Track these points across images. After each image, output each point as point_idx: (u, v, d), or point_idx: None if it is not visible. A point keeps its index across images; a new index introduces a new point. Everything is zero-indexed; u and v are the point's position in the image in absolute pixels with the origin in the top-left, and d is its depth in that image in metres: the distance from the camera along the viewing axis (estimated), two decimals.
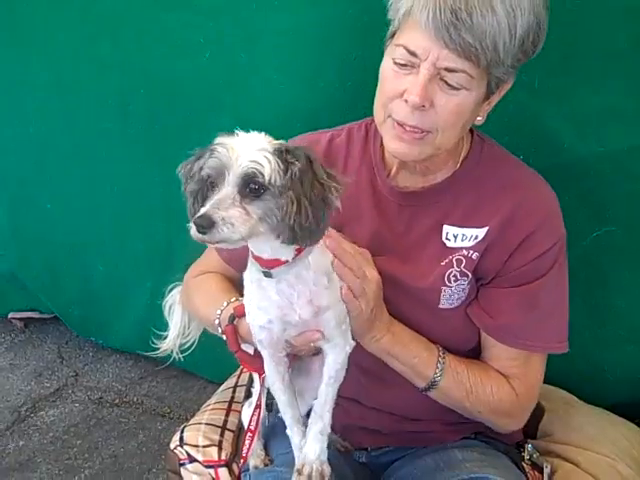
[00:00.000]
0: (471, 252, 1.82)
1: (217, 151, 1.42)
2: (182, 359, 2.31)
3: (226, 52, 2.50)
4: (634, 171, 2.13)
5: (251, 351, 1.86)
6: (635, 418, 2.35)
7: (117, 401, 3.54)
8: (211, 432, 2.19)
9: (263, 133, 1.47)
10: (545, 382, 2.41)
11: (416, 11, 1.60)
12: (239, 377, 2.51)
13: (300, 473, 1.68)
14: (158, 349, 2.32)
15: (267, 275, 1.57)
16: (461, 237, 1.83)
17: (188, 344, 2.31)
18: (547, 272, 1.80)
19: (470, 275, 1.83)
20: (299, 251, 1.54)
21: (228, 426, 2.22)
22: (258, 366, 1.82)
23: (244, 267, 1.89)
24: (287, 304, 1.59)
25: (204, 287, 2.09)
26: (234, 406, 2.32)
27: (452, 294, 1.84)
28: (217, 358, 3.04)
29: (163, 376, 3.71)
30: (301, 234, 1.43)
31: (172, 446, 2.17)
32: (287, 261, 1.54)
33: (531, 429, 2.19)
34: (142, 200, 3.12)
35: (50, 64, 3.06)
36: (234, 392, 2.41)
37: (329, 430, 1.71)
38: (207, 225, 1.36)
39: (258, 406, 1.89)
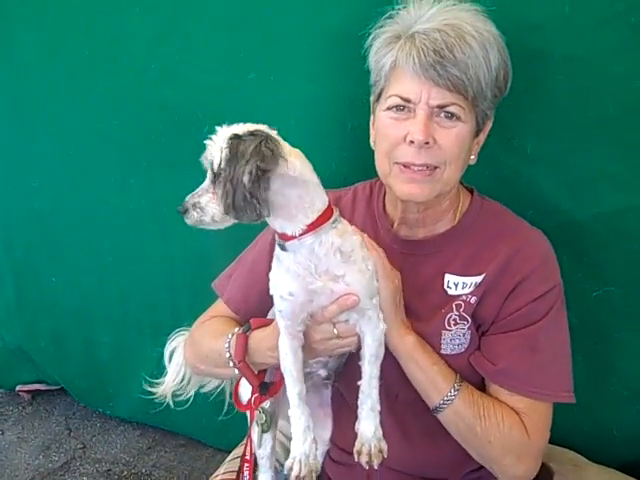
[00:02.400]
0: (470, 296, 1.87)
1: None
2: (174, 407, 2.37)
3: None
4: (629, 231, 2.16)
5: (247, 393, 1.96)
6: None
7: (125, 473, 3.50)
8: None
9: (248, 124, 1.63)
10: (553, 443, 2.39)
11: (401, 61, 1.75)
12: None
13: (360, 453, 1.72)
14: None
15: (282, 248, 1.69)
16: (462, 285, 1.88)
17: (183, 396, 2.34)
18: (544, 317, 1.82)
19: (469, 320, 1.86)
20: (310, 228, 1.64)
21: None
22: (253, 387, 1.91)
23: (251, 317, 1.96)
24: (307, 273, 1.67)
25: (213, 327, 2.12)
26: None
27: (452, 338, 1.87)
28: (225, 426, 3.04)
29: (171, 445, 3.68)
30: (235, 214, 1.56)
31: None
32: (294, 236, 1.64)
33: None
34: (146, 272, 3.16)
35: (54, 139, 3.13)
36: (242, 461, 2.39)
37: (379, 407, 1.74)
38: (182, 210, 1.63)
39: (249, 436, 1.96)
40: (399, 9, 1.87)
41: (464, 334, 1.87)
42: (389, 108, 1.81)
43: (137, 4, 2.71)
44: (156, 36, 2.70)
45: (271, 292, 1.76)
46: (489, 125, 1.91)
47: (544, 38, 2.05)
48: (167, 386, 2.33)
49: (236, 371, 1.92)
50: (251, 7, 2.48)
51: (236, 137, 1.56)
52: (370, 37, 1.91)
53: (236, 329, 1.96)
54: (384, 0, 1.93)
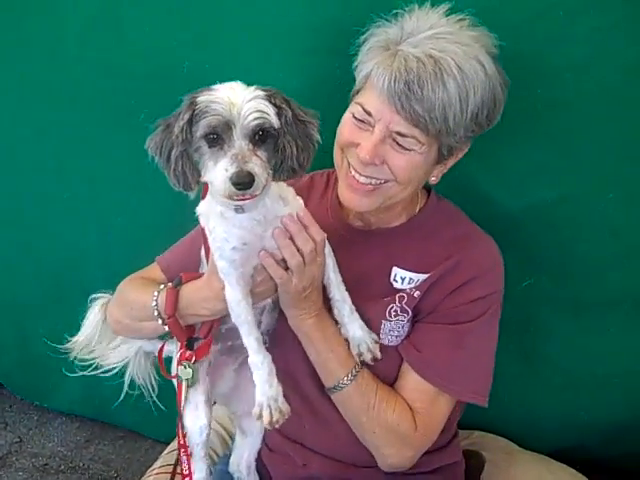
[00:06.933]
0: (414, 290, 1.89)
1: (213, 109, 1.47)
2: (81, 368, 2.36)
3: None
4: (558, 221, 2.21)
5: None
6: (576, 464, 2.35)
7: (63, 467, 3.44)
8: None
9: (239, 82, 1.54)
10: (485, 430, 2.45)
11: (374, 76, 1.73)
12: None
13: (360, 354, 1.85)
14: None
15: (238, 212, 1.63)
16: (408, 280, 1.90)
17: (92, 356, 2.31)
18: (477, 318, 1.86)
19: (410, 312, 1.89)
20: None
21: None
22: (181, 343, 1.90)
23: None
24: (256, 223, 1.67)
25: (142, 282, 2.09)
26: (179, 469, 2.27)
27: (392, 329, 1.89)
28: (163, 417, 3.01)
29: (110, 438, 3.63)
30: (293, 171, 1.57)
31: None
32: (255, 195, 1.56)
33: None
34: (82, 263, 3.10)
35: None
36: (179, 454, 2.37)
37: (354, 308, 1.84)
38: (250, 180, 1.45)
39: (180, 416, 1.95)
40: (403, 12, 1.82)
41: (403, 326, 1.90)
42: (354, 116, 1.80)
43: None
44: (90, 24, 2.63)
45: (217, 245, 1.71)
46: (463, 152, 1.90)
47: None
48: (78, 338, 2.28)
49: (160, 323, 1.90)
50: None
51: (274, 96, 1.54)
52: (368, 33, 1.86)
53: (163, 285, 1.93)
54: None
